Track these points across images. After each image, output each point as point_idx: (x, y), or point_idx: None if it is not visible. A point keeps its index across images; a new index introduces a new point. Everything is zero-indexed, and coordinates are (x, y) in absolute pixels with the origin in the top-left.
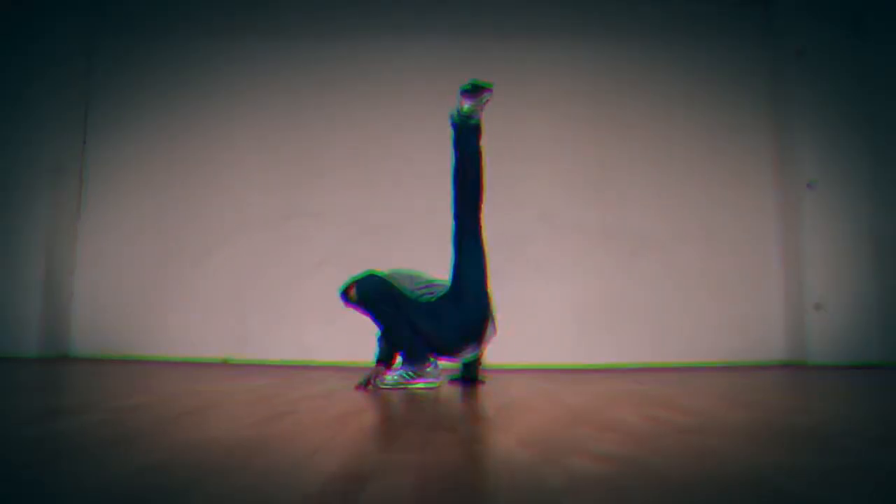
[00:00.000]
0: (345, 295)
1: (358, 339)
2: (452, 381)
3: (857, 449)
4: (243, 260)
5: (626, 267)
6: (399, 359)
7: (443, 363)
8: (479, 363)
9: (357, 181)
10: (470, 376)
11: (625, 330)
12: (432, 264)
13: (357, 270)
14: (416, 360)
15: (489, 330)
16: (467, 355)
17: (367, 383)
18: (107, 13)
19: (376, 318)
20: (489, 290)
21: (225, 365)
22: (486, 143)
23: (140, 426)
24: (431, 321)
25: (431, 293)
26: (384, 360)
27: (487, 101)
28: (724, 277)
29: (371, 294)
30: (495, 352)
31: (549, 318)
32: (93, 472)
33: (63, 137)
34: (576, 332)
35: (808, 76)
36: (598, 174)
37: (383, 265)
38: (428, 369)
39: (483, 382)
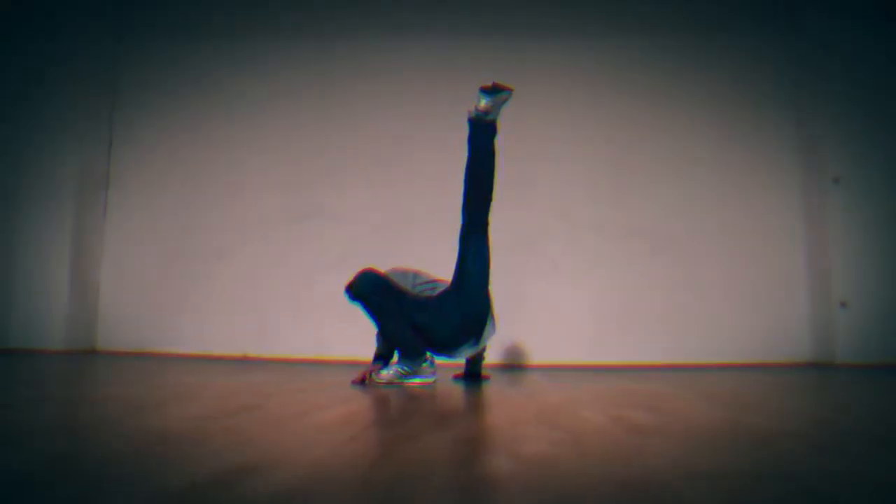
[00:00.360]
0: (348, 292)
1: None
2: (456, 377)
3: (797, 454)
4: (261, 258)
5: (645, 266)
6: (396, 355)
7: (441, 360)
8: (482, 360)
9: (369, 181)
10: (473, 373)
11: (643, 329)
12: (443, 262)
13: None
14: (412, 356)
15: (488, 328)
16: (465, 353)
17: (364, 379)
18: (128, 20)
19: (372, 313)
20: (490, 288)
21: (243, 361)
22: (502, 143)
23: (94, 415)
24: (430, 316)
25: (433, 289)
26: (382, 357)
27: (505, 101)
28: (746, 276)
29: (366, 290)
30: (510, 350)
31: (566, 316)
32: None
33: (89, 140)
34: (594, 331)
35: (832, 70)
36: (616, 173)
37: (394, 263)
38: (424, 366)
39: (487, 378)
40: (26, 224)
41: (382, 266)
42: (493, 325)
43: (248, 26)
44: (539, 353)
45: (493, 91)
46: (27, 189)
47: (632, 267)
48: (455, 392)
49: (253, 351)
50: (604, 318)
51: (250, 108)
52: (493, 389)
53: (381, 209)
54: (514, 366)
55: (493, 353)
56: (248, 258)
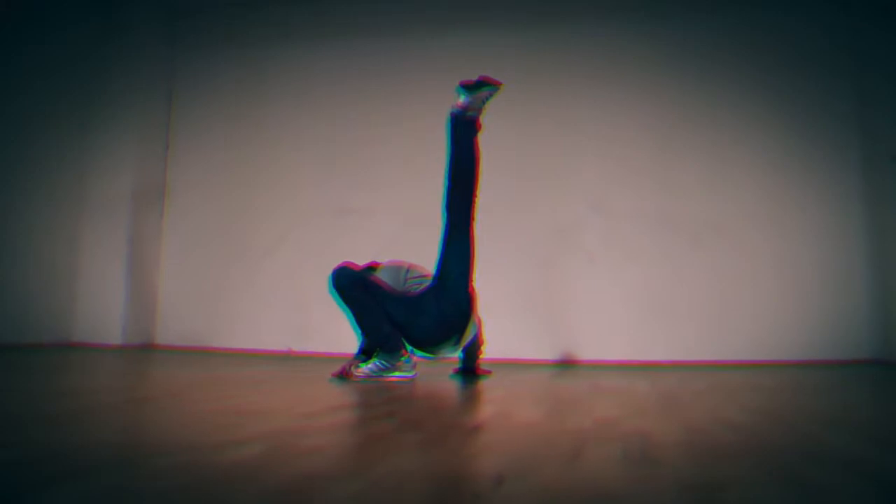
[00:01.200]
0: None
1: None
2: (454, 373)
3: (557, 455)
4: (303, 255)
5: (688, 257)
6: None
7: (421, 357)
8: (477, 356)
9: (403, 176)
10: (469, 369)
11: (687, 325)
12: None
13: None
14: (388, 351)
15: (471, 328)
16: (447, 352)
17: (343, 373)
18: (183, 27)
19: (349, 307)
20: (473, 287)
21: (286, 355)
22: (534, 133)
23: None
24: (408, 314)
25: (419, 285)
26: (365, 351)
27: (489, 97)
28: (799, 266)
29: (343, 284)
30: (543, 347)
31: (604, 312)
32: None
33: (148, 144)
34: (633, 327)
35: (892, 41)
36: (654, 160)
37: (430, 257)
38: (402, 361)
39: (486, 374)
40: (90, 226)
41: (420, 260)
42: (476, 324)
43: (290, 29)
44: (578, 351)
45: (473, 87)
46: (90, 193)
47: (673, 258)
48: (405, 388)
49: (296, 346)
50: (644, 314)
51: (304, 111)
52: (451, 386)
53: (415, 204)
54: (565, 362)
55: (539, 350)
56: (290, 255)
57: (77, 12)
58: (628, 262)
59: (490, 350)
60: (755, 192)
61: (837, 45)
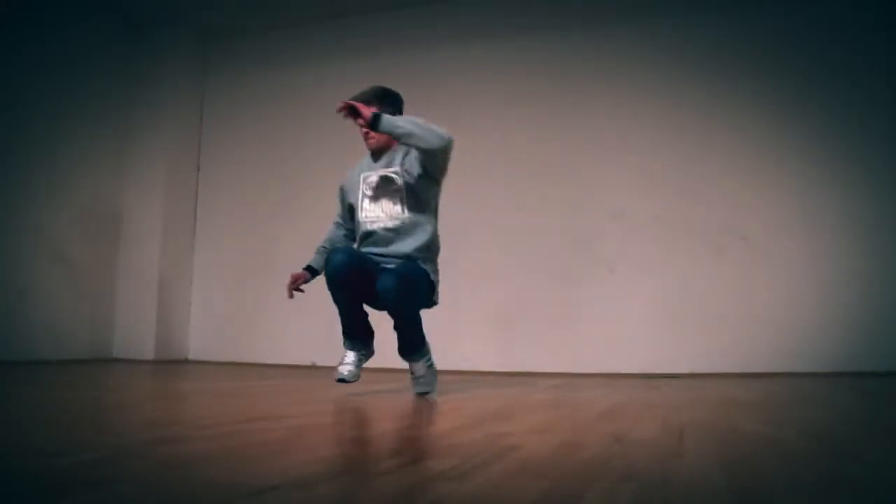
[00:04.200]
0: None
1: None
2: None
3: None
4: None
5: (712, 265)
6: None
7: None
8: None
9: None
10: None
11: (711, 337)
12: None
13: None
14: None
15: None
16: None
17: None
18: (213, 52)
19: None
20: None
21: (311, 369)
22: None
23: None
24: None
25: None
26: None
27: None
28: (834, 274)
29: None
30: (562, 359)
31: (622, 323)
32: None
33: (180, 162)
34: (653, 338)
35: None
36: (675, 165)
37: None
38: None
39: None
40: (125, 254)
41: None
42: None
43: (312, 48)
44: (594, 364)
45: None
46: (125, 224)
47: (699, 267)
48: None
49: (321, 360)
50: (667, 325)
51: (315, 128)
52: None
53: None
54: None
55: (544, 362)
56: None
57: (109, 39)
58: (649, 271)
59: (506, 362)
60: (783, 197)
61: (869, 48)
